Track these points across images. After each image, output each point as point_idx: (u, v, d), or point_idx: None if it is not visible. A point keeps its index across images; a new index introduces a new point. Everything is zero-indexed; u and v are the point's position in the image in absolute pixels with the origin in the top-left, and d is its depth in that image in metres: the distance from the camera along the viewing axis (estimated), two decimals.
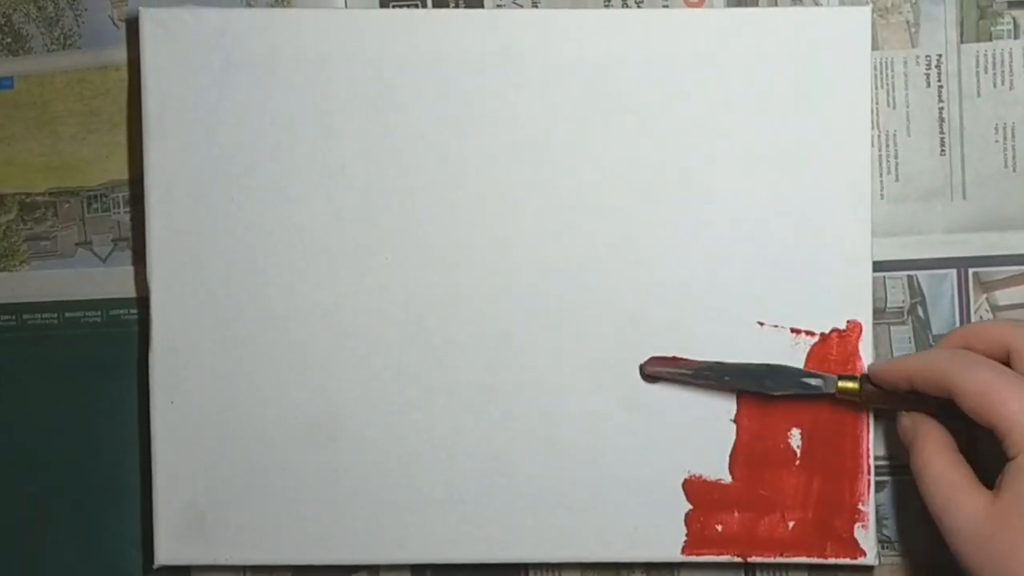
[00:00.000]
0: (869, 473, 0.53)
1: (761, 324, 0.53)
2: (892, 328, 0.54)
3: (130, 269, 0.56)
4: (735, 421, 0.53)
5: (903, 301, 0.54)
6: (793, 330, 0.53)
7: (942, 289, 0.54)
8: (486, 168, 0.53)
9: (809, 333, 0.53)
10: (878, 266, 0.53)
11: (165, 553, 0.54)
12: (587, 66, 0.53)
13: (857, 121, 0.53)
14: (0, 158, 0.56)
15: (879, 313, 0.54)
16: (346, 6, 0.55)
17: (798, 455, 0.53)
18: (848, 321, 0.53)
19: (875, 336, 0.53)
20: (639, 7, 0.55)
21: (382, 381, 0.54)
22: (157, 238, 0.54)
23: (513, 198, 0.53)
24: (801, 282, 0.53)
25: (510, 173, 0.53)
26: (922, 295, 0.54)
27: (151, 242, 0.54)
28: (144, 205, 0.54)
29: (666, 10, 0.54)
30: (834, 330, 0.53)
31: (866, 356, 0.53)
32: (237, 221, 0.54)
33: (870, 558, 0.53)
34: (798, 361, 0.53)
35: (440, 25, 0.54)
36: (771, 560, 0.53)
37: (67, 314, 0.56)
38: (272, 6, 0.55)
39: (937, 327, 0.54)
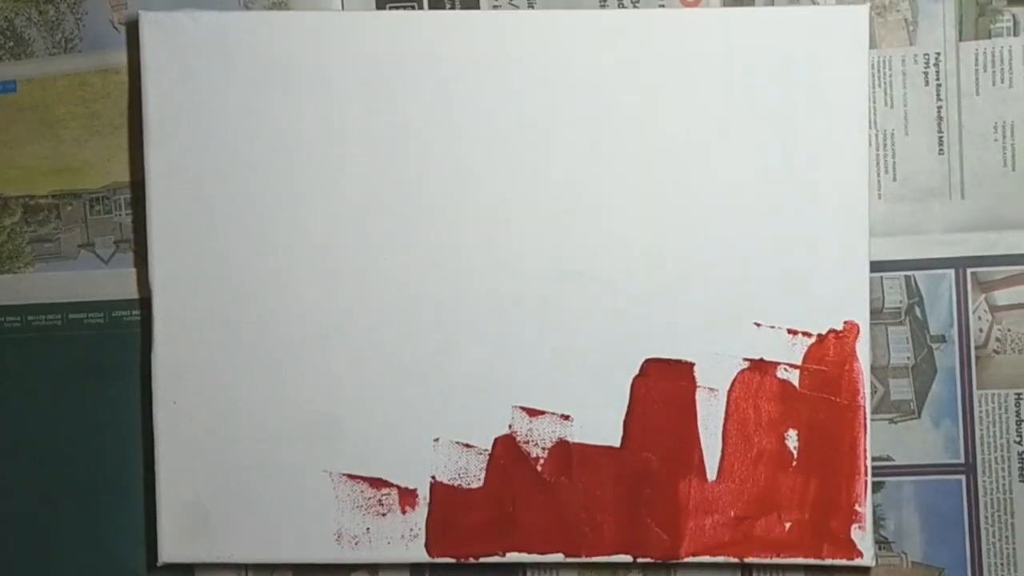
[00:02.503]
0: (866, 474, 0.53)
1: (758, 325, 0.53)
2: (889, 328, 0.54)
3: (132, 271, 0.57)
4: (724, 425, 0.53)
5: (900, 301, 0.54)
6: (790, 331, 0.53)
7: (940, 289, 0.54)
8: (483, 169, 0.54)
9: (806, 334, 0.53)
10: (875, 266, 0.53)
11: (169, 551, 0.55)
12: (584, 67, 0.53)
13: (854, 121, 0.52)
14: (3, 161, 0.57)
15: (876, 313, 0.54)
16: (343, 8, 0.55)
17: (795, 456, 0.53)
18: (845, 322, 0.53)
19: (872, 337, 0.53)
20: (635, 7, 0.55)
21: (382, 381, 0.54)
22: (158, 240, 0.54)
23: (510, 199, 0.53)
24: (798, 283, 0.53)
25: (506, 174, 0.53)
26: (920, 295, 0.54)
27: (152, 244, 0.54)
28: (145, 207, 0.54)
29: (663, 10, 0.54)
30: (831, 331, 0.53)
31: (863, 357, 0.52)
32: (237, 222, 0.54)
33: (867, 559, 0.53)
34: (794, 361, 0.53)
35: (436, 26, 0.54)
36: (768, 561, 0.53)
37: (70, 315, 0.57)
38: (269, 8, 0.56)
39: (935, 327, 0.54)
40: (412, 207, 0.54)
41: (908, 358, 0.54)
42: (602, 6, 0.54)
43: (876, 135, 0.54)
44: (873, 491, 0.53)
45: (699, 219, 0.53)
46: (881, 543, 0.54)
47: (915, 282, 0.54)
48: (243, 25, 0.54)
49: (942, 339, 0.54)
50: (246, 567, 0.57)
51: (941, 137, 0.54)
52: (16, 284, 0.57)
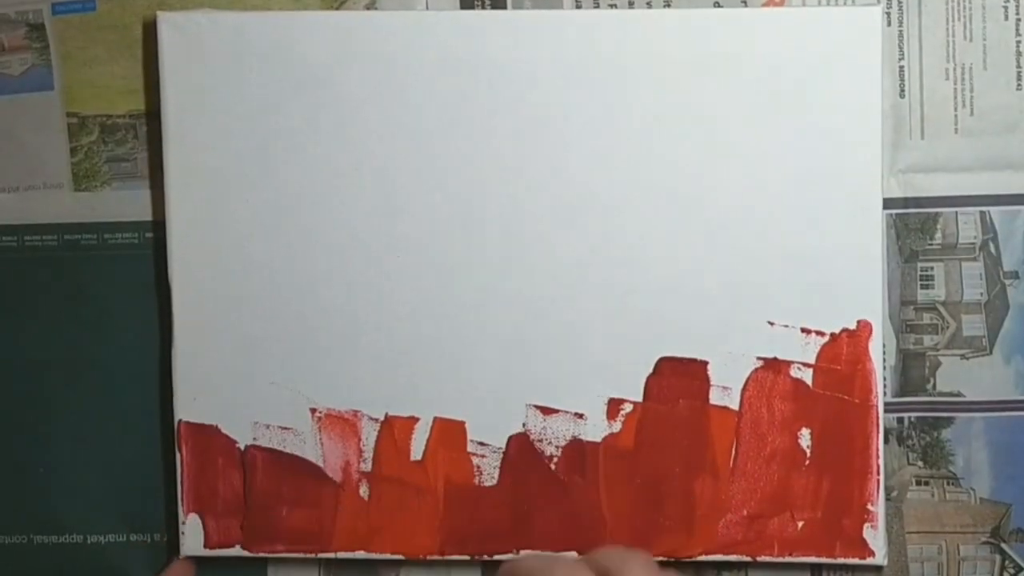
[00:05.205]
0: (878, 473, 0.53)
1: (772, 324, 0.53)
2: (963, 264, 0.54)
3: None
4: (738, 424, 0.53)
5: (975, 237, 0.54)
6: (803, 330, 0.53)
7: (1015, 225, 0.54)
8: (498, 168, 0.54)
9: (819, 333, 0.53)
10: (950, 201, 0.53)
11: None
12: (599, 65, 0.53)
13: (867, 121, 0.52)
14: (82, 80, 0.57)
15: (950, 249, 0.54)
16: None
17: (808, 455, 0.53)
18: (858, 321, 0.53)
19: (946, 272, 0.53)
20: (649, 7, 0.54)
21: (396, 379, 0.55)
22: (177, 234, 0.55)
23: (524, 198, 0.54)
24: (812, 282, 0.53)
25: (521, 173, 0.54)
26: (994, 231, 0.54)
27: (172, 236, 0.55)
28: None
29: (677, 10, 0.54)
30: (844, 330, 0.53)
31: (876, 356, 0.52)
32: (254, 221, 0.55)
33: (879, 558, 0.53)
34: (808, 360, 0.53)
35: (452, 26, 0.54)
36: (780, 559, 0.53)
37: (146, 234, 0.57)
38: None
39: (1008, 264, 0.54)
40: (427, 207, 0.54)
41: (981, 294, 0.54)
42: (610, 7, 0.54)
43: (954, 69, 0.54)
44: (944, 426, 0.53)
45: (713, 218, 0.53)
46: (949, 479, 0.54)
47: (990, 217, 0.54)
48: (259, 25, 0.54)
49: (1016, 275, 0.54)
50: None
51: (1020, 72, 0.53)
52: (93, 202, 0.58)
